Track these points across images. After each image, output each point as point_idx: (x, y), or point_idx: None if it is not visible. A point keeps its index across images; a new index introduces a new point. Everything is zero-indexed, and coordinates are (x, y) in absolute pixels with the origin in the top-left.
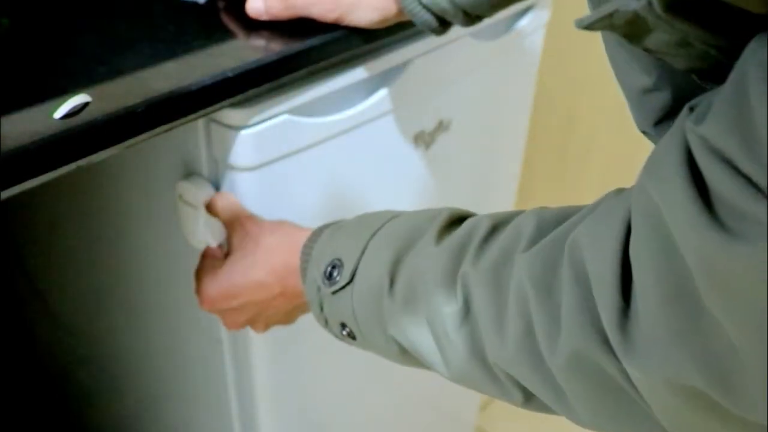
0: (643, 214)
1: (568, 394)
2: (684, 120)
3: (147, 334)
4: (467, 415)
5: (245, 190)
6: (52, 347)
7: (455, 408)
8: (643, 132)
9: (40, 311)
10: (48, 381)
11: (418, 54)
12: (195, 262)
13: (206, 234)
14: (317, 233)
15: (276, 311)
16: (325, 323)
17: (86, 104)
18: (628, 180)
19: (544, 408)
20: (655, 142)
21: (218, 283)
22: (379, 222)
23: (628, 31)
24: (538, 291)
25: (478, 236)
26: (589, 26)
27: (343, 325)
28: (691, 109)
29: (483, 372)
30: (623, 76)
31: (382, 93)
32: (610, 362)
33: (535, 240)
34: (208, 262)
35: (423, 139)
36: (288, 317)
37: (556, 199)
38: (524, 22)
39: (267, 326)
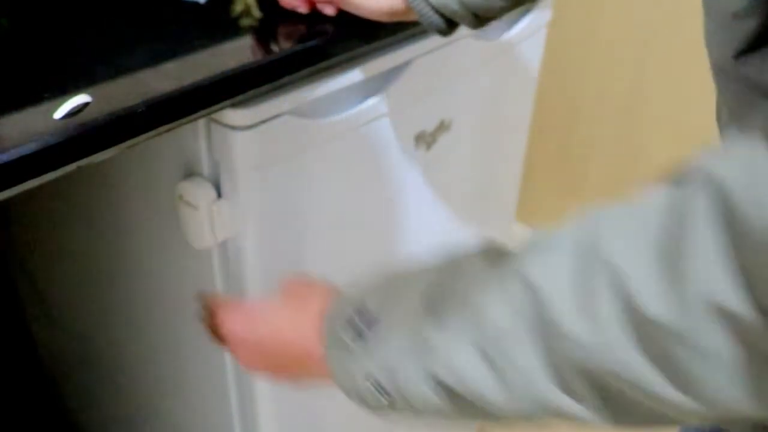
0: None
1: (699, 359)
2: None
3: (147, 335)
4: None
5: (246, 190)
6: (52, 348)
7: None
8: (716, 72)
9: (41, 312)
10: (48, 382)
11: (420, 54)
12: (195, 262)
13: (210, 234)
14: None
15: (283, 358)
16: (351, 384)
17: (86, 104)
18: (629, 178)
19: (625, 416)
20: (730, 77)
21: (246, 312)
22: (402, 273)
23: None
24: (657, 244)
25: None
26: None
27: (374, 381)
28: None
29: (552, 382)
30: (714, 1)
31: (383, 93)
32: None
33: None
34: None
35: (424, 139)
36: (299, 367)
37: (558, 198)
38: (526, 21)
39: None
